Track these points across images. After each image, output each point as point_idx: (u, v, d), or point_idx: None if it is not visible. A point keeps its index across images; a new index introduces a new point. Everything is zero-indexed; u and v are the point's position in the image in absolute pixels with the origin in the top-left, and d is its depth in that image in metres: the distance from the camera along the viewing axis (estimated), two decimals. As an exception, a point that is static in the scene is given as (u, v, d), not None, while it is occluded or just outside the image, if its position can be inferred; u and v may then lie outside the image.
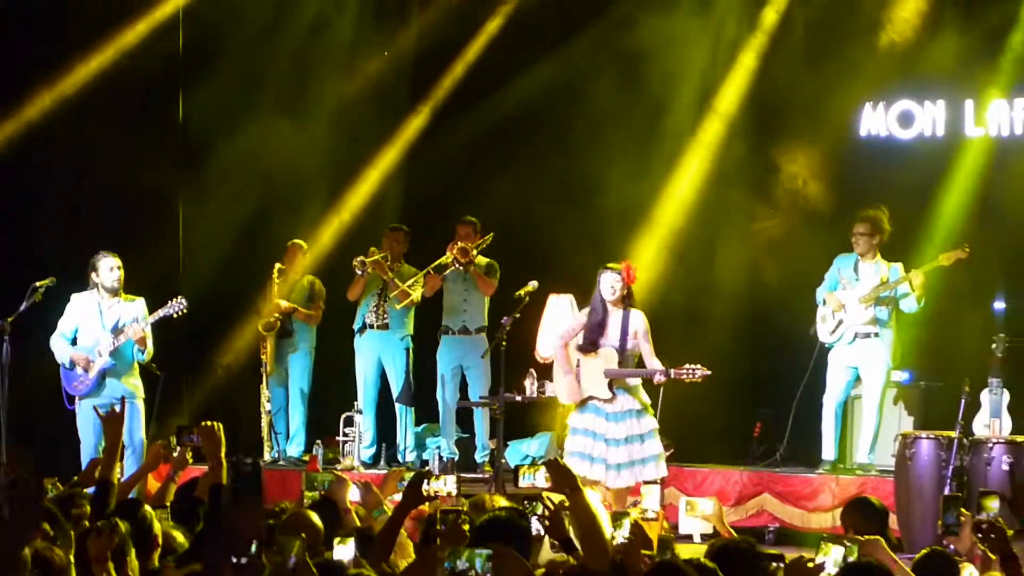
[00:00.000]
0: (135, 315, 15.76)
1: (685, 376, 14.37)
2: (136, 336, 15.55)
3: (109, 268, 15.74)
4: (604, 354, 14.53)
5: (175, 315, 15.87)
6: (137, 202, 18.79)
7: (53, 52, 18.07)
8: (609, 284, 14.60)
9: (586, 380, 14.64)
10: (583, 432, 14.68)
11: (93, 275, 15.82)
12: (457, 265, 17.41)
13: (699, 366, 14.38)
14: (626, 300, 14.66)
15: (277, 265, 17.90)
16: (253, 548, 6.10)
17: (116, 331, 15.70)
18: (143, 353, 15.76)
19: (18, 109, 17.63)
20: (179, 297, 15.88)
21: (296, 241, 18.14)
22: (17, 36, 18.10)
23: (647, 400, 14.73)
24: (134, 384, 15.97)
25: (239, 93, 19.15)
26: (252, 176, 18.91)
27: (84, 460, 15.20)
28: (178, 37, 18.99)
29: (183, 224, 19.24)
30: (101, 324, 15.77)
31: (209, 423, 10.02)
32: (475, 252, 17.41)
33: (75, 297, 15.94)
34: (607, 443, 14.49)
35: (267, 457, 17.88)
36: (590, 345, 14.63)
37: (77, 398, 15.86)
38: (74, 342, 15.85)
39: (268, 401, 18.04)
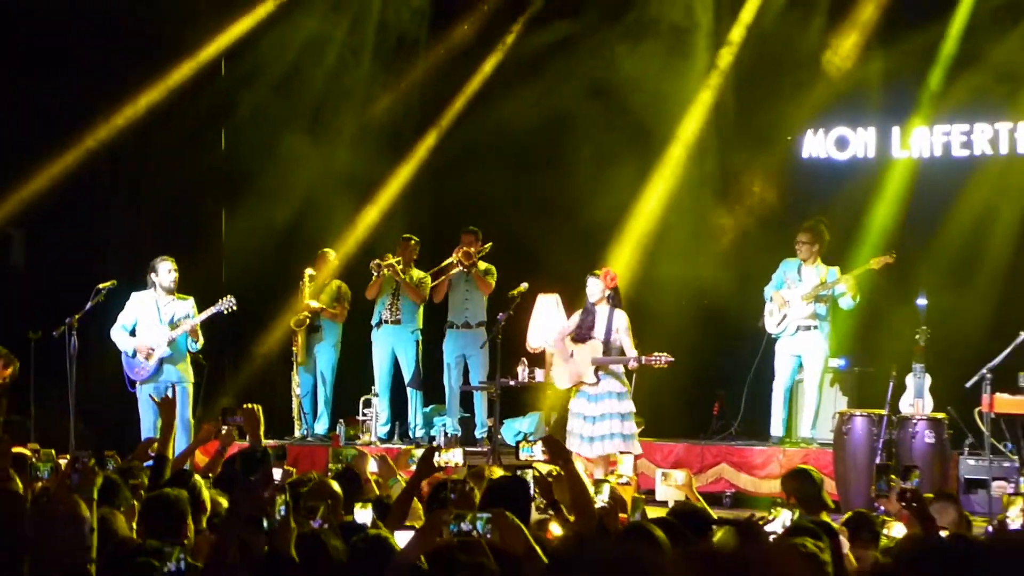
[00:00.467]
0: (187, 312, 15.93)
1: (654, 362, 14.68)
2: (189, 329, 15.82)
3: (167, 270, 15.90)
4: (591, 345, 14.95)
5: (225, 312, 16.01)
6: (186, 215, 18.95)
7: (117, 88, 17.97)
8: (592, 288, 15.13)
9: (578, 366, 15.05)
10: (574, 415, 15.15)
11: (152, 276, 15.94)
12: (461, 268, 17.63)
13: (665, 354, 14.69)
14: (612, 300, 15.08)
15: (307, 270, 18.02)
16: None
17: (172, 325, 15.86)
18: (196, 344, 15.95)
19: (88, 137, 17.65)
20: (229, 296, 15.97)
21: (325, 250, 18.24)
22: (87, 75, 17.91)
23: (628, 385, 15.16)
24: (186, 371, 16.10)
25: (273, 122, 19.14)
26: (284, 193, 18.88)
27: (143, 437, 15.03)
28: (220, 75, 19.01)
29: (225, 234, 19.31)
30: (159, 319, 15.88)
31: (250, 405, 10.42)
32: (477, 257, 17.65)
33: (135, 295, 16.03)
34: (584, 419, 14.95)
35: (297, 434, 18.00)
36: (579, 338, 15.13)
37: (138, 383, 15.94)
38: (132, 334, 15.92)
39: (298, 386, 18.14)
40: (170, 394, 14.86)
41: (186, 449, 11.86)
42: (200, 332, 16.02)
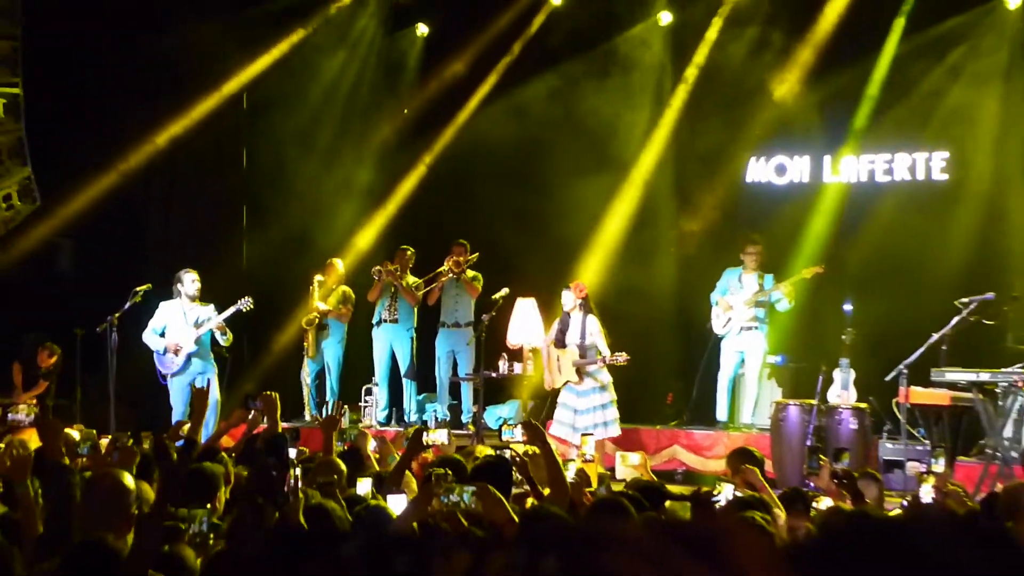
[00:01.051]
0: (208, 315, 16.11)
1: (615, 361, 14.96)
2: (215, 326, 16.00)
3: (191, 280, 16.13)
4: (569, 351, 15.29)
5: (244, 310, 16.12)
6: (211, 227, 18.97)
7: (150, 117, 18.04)
8: (566, 299, 15.49)
9: (563, 370, 15.42)
10: (563, 406, 15.49)
11: (178, 285, 16.16)
12: (452, 275, 17.68)
13: (623, 354, 14.93)
14: (584, 308, 15.41)
15: (317, 276, 18.00)
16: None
17: (196, 325, 16.05)
18: (224, 337, 16.15)
19: (127, 160, 17.74)
20: (247, 297, 16.11)
21: (332, 260, 18.22)
22: (126, 106, 18.04)
23: (606, 380, 15.43)
24: (209, 362, 16.34)
25: (287, 146, 19.13)
26: (298, 208, 18.94)
27: (174, 421, 15.37)
28: (241, 105, 19.03)
29: (246, 244, 19.33)
30: (185, 322, 16.07)
31: (268, 392, 10.54)
32: (465, 266, 17.66)
33: (163, 304, 16.21)
34: (576, 412, 15.33)
35: (307, 417, 18.01)
36: (559, 342, 15.46)
37: (169, 376, 16.17)
38: (161, 336, 16.13)
39: (307, 376, 18.16)
40: (200, 384, 15.18)
41: (219, 430, 11.94)
42: (227, 328, 16.16)
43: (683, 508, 7.47)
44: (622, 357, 14.99)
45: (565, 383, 15.51)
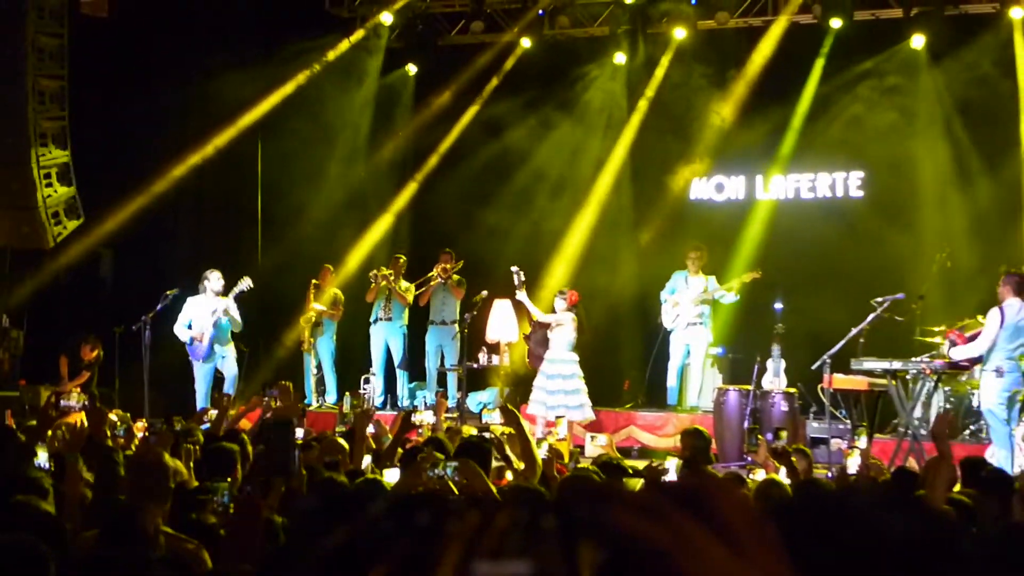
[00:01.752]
0: (225, 305, 16.36)
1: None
2: (223, 311, 16.34)
3: (217, 277, 16.47)
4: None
5: (246, 290, 16.45)
6: (231, 239, 18.90)
7: (179, 144, 18.06)
8: (558, 304, 15.90)
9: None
10: (538, 389, 15.77)
11: (205, 282, 16.47)
12: (440, 279, 17.74)
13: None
14: (575, 312, 15.89)
15: (313, 281, 18.07)
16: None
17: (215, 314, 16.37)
18: (236, 325, 16.52)
19: (157, 181, 17.69)
20: (246, 278, 16.51)
21: (327, 265, 18.27)
22: (159, 134, 18.09)
23: (573, 370, 15.73)
24: (230, 347, 16.69)
25: (295, 167, 19.04)
26: (305, 221, 18.88)
27: (199, 407, 15.59)
28: (257, 134, 18.97)
29: (260, 253, 19.22)
30: (209, 314, 16.38)
31: (283, 382, 10.57)
32: (452, 272, 17.68)
33: (189, 300, 16.47)
34: (547, 393, 15.62)
35: (314, 403, 17.96)
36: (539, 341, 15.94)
37: (198, 361, 16.50)
38: (189, 327, 16.42)
39: (313, 367, 18.27)
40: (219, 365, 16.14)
41: (237, 414, 11.94)
42: (238, 317, 16.51)
43: (637, 484, 7.38)
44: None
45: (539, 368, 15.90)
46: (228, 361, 16.72)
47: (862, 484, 7.46)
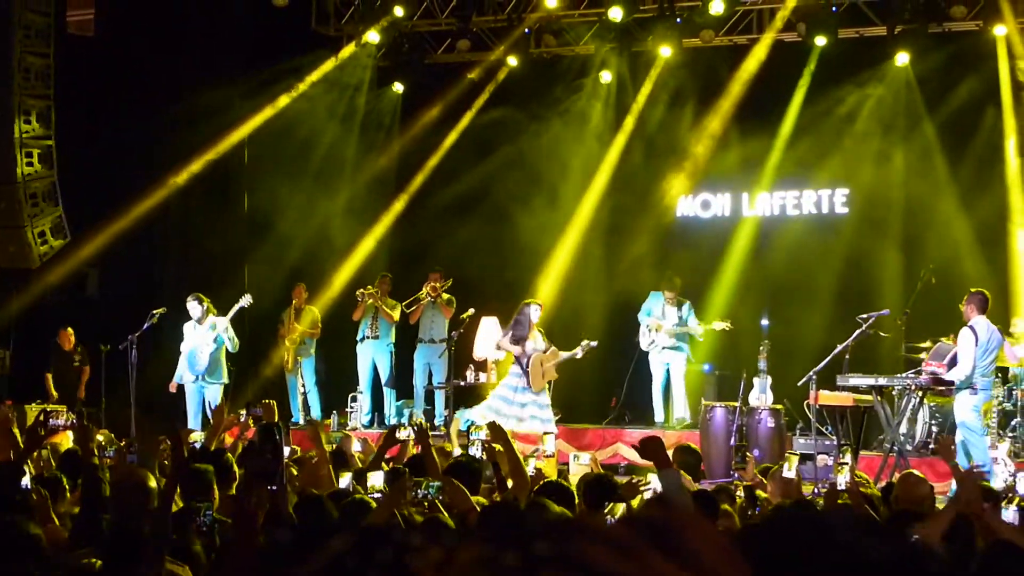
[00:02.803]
0: (222, 324, 16.34)
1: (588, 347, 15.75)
2: (223, 330, 16.30)
3: (190, 307, 16.42)
4: (551, 352, 15.78)
5: (246, 305, 16.46)
6: (217, 259, 18.69)
7: (165, 163, 17.92)
8: (535, 313, 15.77)
9: (547, 372, 15.78)
10: (507, 402, 15.70)
11: (189, 310, 16.49)
12: (429, 298, 17.69)
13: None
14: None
15: (295, 303, 18.21)
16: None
17: (212, 337, 16.35)
18: (232, 343, 16.47)
19: (145, 200, 17.52)
20: (247, 295, 16.52)
21: (300, 284, 18.32)
22: (144, 154, 18.00)
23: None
24: (218, 375, 16.52)
25: (282, 185, 18.88)
26: (292, 239, 18.86)
27: (190, 423, 15.82)
28: (244, 152, 18.85)
29: (247, 273, 18.93)
30: (201, 339, 16.35)
31: (267, 400, 10.54)
32: (441, 290, 17.61)
33: (185, 326, 16.54)
34: (521, 406, 15.63)
35: (300, 421, 17.79)
36: (517, 342, 15.56)
37: (186, 383, 16.56)
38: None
39: (300, 385, 18.26)
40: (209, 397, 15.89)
41: (213, 430, 11.91)
42: (234, 337, 16.51)
43: (619, 509, 7.66)
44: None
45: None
46: (212, 389, 16.60)
47: (834, 506, 7.48)
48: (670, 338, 16.72)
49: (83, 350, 17.37)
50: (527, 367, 15.69)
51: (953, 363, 13.55)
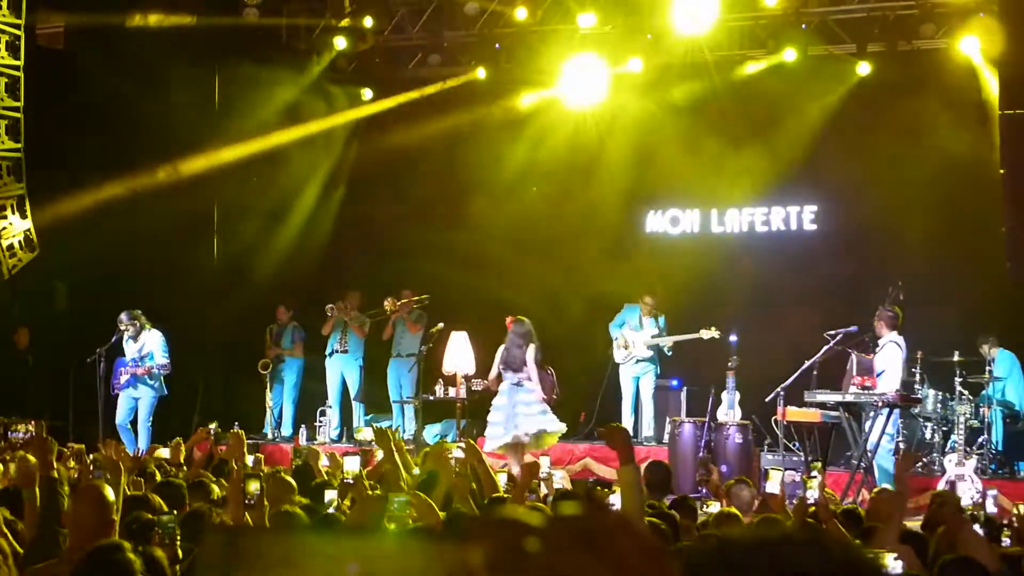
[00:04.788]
0: (153, 345, 16.55)
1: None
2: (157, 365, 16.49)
3: (123, 324, 16.49)
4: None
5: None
6: (187, 272, 18.58)
7: (134, 177, 17.65)
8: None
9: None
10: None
11: (120, 326, 16.58)
12: (397, 313, 17.73)
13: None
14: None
15: (270, 326, 18.46)
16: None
17: (140, 355, 16.49)
18: (162, 359, 16.58)
19: (114, 214, 17.14)
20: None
21: (280, 306, 18.48)
22: (113, 170, 17.55)
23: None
24: (148, 386, 16.59)
25: (251, 199, 19.00)
26: (261, 254, 18.91)
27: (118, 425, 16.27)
28: (212, 169, 18.52)
29: (216, 286, 18.94)
30: (133, 352, 16.56)
31: (236, 431, 10.58)
32: (410, 307, 17.67)
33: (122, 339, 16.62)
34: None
35: (269, 434, 18.11)
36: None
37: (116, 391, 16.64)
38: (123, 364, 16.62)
39: (269, 400, 18.30)
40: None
41: (187, 445, 11.85)
42: (165, 353, 16.57)
43: (569, 506, 7.48)
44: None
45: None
46: (144, 399, 16.59)
47: (774, 525, 7.52)
48: (647, 349, 16.84)
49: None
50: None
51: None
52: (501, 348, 15.58)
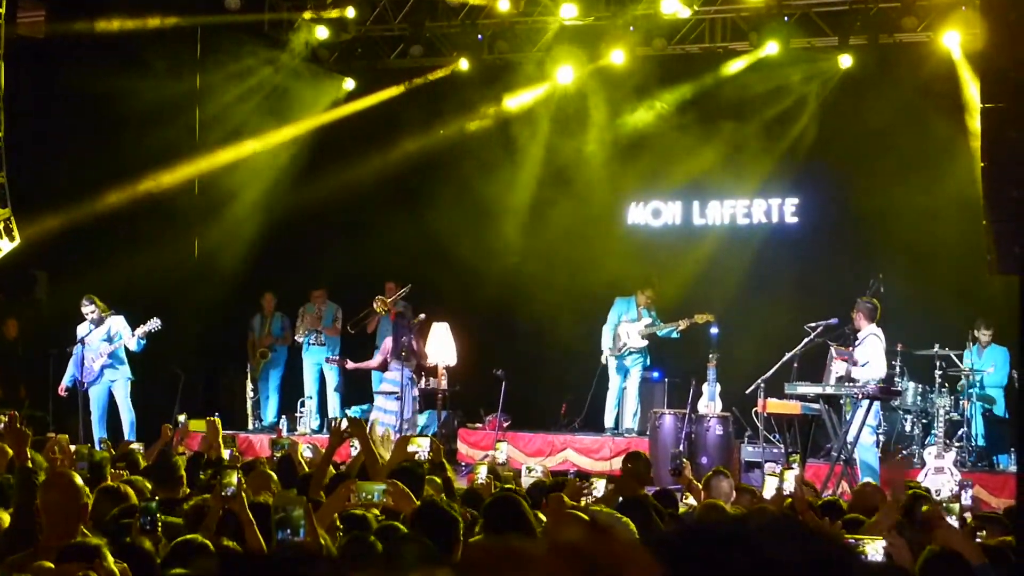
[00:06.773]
0: (119, 328, 16.25)
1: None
2: (127, 340, 16.18)
3: (84, 310, 16.24)
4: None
5: (153, 330, 16.07)
6: (166, 263, 18.38)
7: (114, 167, 17.38)
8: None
9: None
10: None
11: (83, 310, 16.29)
12: (382, 312, 17.66)
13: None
14: None
15: (259, 314, 18.54)
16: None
17: (109, 340, 16.21)
18: (132, 343, 16.22)
19: (94, 204, 17.14)
20: (155, 318, 16.11)
21: (267, 294, 18.58)
22: (95, 158, 17.61)
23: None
24: (121, 371, 16.32)
25: (232, 190, 18.86)
26: (241, 246, 18.81)
27: (94, 425, 16.14)
28: (193, 159, 18.61)
29: (197, 277, 18.74)
30: (97, 337, 16.23)
31: (211, 418, 10.58)
32: (392, 302, 17.45)
33: (79, 328, 16.30)
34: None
35: (251, 426, 18.15)
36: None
37: (87, 384, 16.25)
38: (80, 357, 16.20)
39: (252, 392, 18.39)
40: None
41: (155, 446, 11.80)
42: (133, 338, 16.16)
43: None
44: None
45: None
46: (119, 383, 16.37)
47: (753, 513, 7.54)
48: (641, 340, 16.89)
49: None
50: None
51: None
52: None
